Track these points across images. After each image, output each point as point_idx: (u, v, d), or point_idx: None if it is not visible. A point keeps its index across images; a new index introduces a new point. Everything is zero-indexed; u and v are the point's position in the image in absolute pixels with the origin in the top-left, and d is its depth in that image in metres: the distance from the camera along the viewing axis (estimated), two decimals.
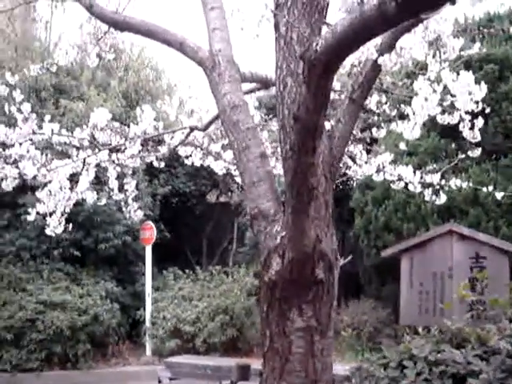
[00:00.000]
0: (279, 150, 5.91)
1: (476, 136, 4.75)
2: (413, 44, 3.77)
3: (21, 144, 5.16)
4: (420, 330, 5.01)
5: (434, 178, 5.99)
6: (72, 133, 5.41)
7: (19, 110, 4.86)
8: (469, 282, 7.80)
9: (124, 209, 6.20)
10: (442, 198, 6.01)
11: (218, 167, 6.35)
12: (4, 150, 5.13)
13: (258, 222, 3.34)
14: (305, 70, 2.63)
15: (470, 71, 4.06)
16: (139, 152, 5.45)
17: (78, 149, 5.56)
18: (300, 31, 3.17)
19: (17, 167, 5.28)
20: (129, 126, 5.31)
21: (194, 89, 15.08)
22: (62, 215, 5.55)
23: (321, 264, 3.15)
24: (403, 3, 2.22)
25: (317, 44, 2.55)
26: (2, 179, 5.46)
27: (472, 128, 4.76)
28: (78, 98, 12.60)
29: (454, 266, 8.85)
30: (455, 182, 6.25)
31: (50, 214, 5.52)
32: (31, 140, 5.20)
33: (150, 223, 12.33)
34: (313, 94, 2.64)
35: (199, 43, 4.10)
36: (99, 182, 7.66)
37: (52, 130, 5.06)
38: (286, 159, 3.09)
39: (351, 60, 4.06)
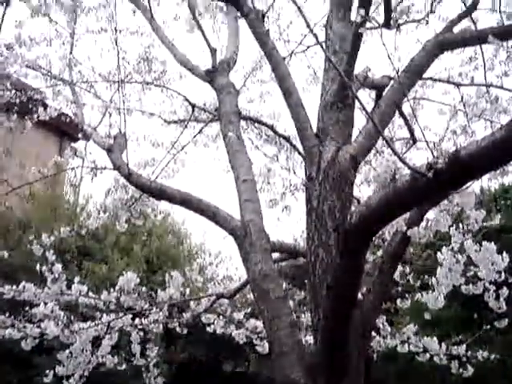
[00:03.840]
0: (302, 319, 5.94)
1: (502, 306, 4.73)
2: (437, 216, 3.88)
3: (46, 304, 5.20)
4: None
5: (460, 350, 5.89)
6: (98, 295, 5.46)
7: (50, 271, 4.96)
8: None
9: (144, 375, 6.08)
10: (470, 371, 5.87)
11: (240, 336, 6.29)
12: (31, 308, 5.17)
13: None
14: (339, 242, 2.72)
15: (492, 242, 4.15)
16: (163, 317, 5.45)
17: (101, 311, 5.58)
18: (332, 204, 3.30)
19: (38, 327, 5.28)
20: (156, 292, 5.35)
21: (214, 256, 15.33)
22: (81, 378, 5.46)
23: None
24: (434, 179, 2.34)
25: (351, 217, 2.65)
26: (22, 338, 5.43)
27: (497, 298, 4.75)
28: (101, 261, 12.76)
29: None
30: (482, 354, 6.14)
31: (68, 378, 5.42)
32: (57, 300, 5.25)
33: None
34: (346, 265, 2.71)
35: (230, 210, 4.24)
36: (117, 346, 7.56)
37: (80, 292, 5.12)
38: (317, 329, 3.09)
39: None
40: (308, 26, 2.85)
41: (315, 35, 3.05)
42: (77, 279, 5.20)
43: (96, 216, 6.79)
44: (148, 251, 13.83)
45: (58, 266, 4.96)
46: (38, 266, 5.09)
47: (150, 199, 5.87)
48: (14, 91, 6.14)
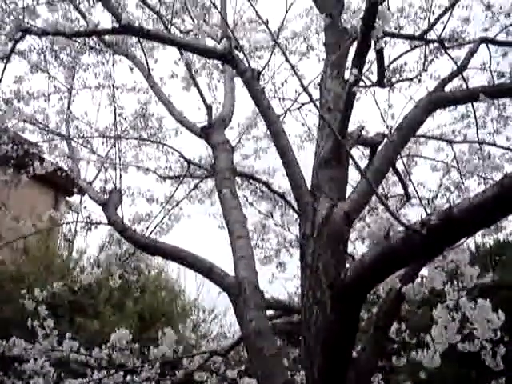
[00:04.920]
0: (297, 377, 5.85)
1: (499, 364, 4.66)
2: (432, 273, 3.86)
3: (36, 360, 5.12)
4: None
5: None
6: (89, 351, 5.38)
7: (41, 326, 4.90)
8: None
9: None
10: None
11: None
12: (21, 364, 5.10)
13: None
14: (333, 299, 2.71)
15: (487, 299, 4.11)
16: (156, 375, 5.36)
17: (92, 368, 5.49)
18: (326, 261, 3.29)
19: (27, 383, 5.20)
20: (148, 348, 5.28)
21: (208, 312, 15.18)
22: None
23: None
24: (428, 236, 2.35)
25: (345, 274, 2.65)
26: None
27: (494, 356, 4.69)
28: (93, 317, 12.60)
29: None
30: None
31: None
32: (48, 356, 5.17)
33: None
34: (341, 322, 2.69)
35: (224, 266, 4.20)
36: None
37: (71, 348, 5.04)
38: None
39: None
40: (302, 85, 2.90)
41: (309, 94, 3.09)
42: (68, 335, 5.13)
43: (89, 271, 6.74)
44: (141, 307, 13.68)
45: (50, 322, 4.91)
46: (29, 321, 5.04)
47: (144, 254, 5.85)
48: (10, 145, 6.18)
